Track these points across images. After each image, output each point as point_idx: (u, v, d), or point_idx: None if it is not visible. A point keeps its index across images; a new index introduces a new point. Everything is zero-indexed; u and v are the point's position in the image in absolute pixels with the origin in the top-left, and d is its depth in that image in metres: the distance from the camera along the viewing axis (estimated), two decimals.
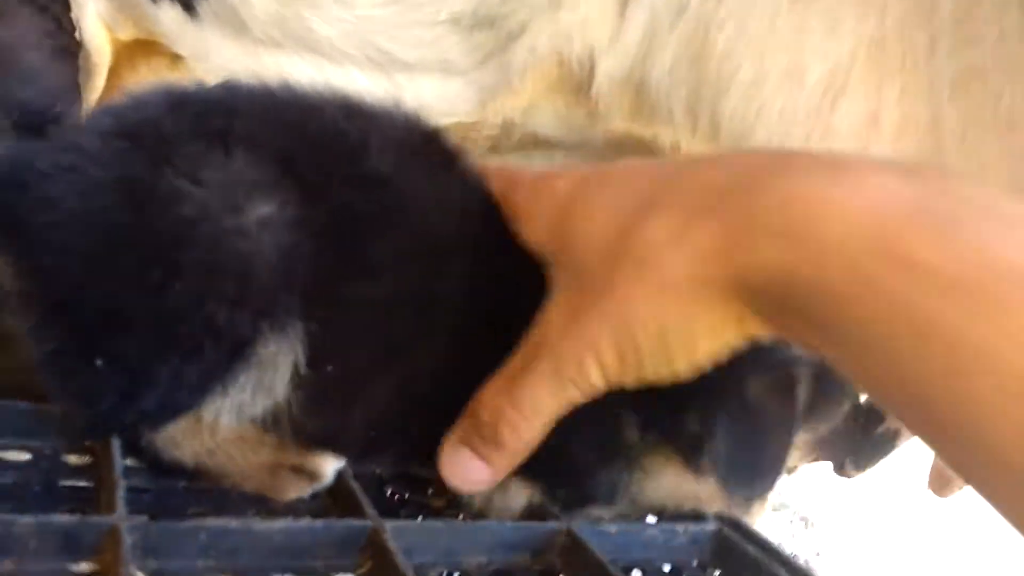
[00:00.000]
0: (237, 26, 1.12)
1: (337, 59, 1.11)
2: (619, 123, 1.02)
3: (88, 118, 0.63)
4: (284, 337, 0.59)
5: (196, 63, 1.16)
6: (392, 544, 0.60)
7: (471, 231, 0.64)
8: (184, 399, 0.58)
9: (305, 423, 0.62)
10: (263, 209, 0.58)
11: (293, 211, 0.59)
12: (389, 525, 0.61)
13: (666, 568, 0.69)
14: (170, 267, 0.55)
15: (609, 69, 0.98)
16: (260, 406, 0.61)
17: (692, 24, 0.89)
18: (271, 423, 0.62)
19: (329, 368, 0.61)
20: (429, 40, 1.06)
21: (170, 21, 1.14)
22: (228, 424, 0.62)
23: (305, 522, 0.60)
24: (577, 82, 1.03)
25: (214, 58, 1.14)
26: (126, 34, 1.17)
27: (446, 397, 0.63)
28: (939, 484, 0.99)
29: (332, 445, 0.65)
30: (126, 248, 0.55)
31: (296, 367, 0.60)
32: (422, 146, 0.66)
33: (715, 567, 0.68)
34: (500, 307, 0.63)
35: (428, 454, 0.63)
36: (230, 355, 0.57)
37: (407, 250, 0.62)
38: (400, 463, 0.70)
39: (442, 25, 1.05)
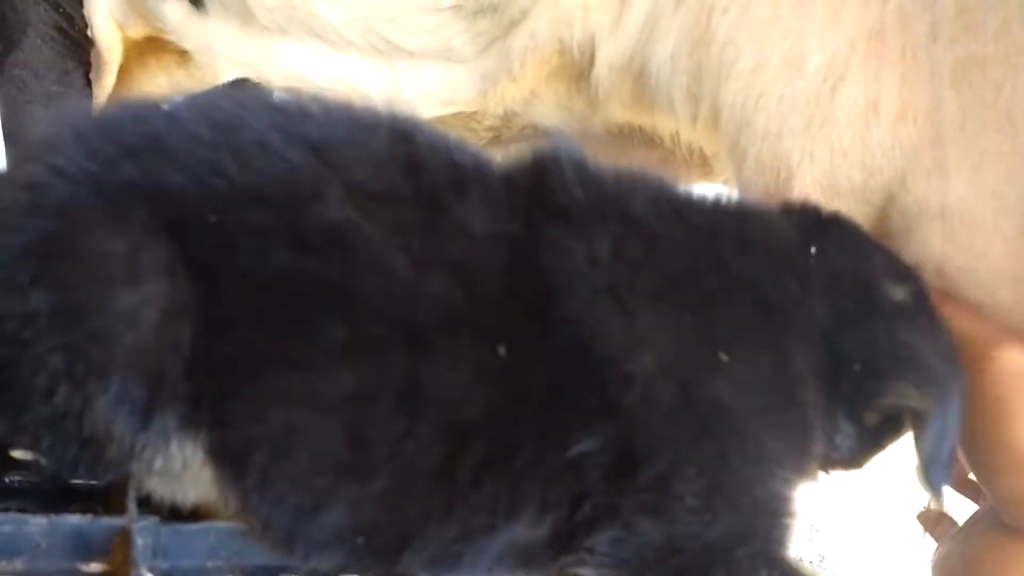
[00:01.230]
0: (244, 15, 1.13)
1: (341, 46, 1.11)
2: (619, 111, 1.01)
3: (13, 163, 0.59)
4: (176, 453, 0.54)
5: (202, 57, 1.17)
6: None
7: (471, 304, 0.55)
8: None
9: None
10: (138, 295, 0.51)
11: (182, 295, 0.52)
12: None
13: None
14: (50, 375, 0.51)
15: (609, 56, 0.97)
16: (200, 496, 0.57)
17: (694, 10, 0.88)
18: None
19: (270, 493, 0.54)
20: (432, 27, 1.06)
21: (176, 15, 1.14)
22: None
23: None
24: (578, 69, 1.02)
25: (219, 49, 1.14)
26: (137, 31, 1.18)
27: (441, 502, 0.55)
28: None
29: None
30: (23, 352, 0.52)
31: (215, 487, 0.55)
32: (404, 180, 0.56)
33: None
34: (511, 403, 0.55)
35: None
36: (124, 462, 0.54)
37: (376, 330, 0.53)
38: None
39: (445, 12, 1.04)
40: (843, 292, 0.64)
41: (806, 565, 0.60)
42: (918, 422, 0.61)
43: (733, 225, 0.64)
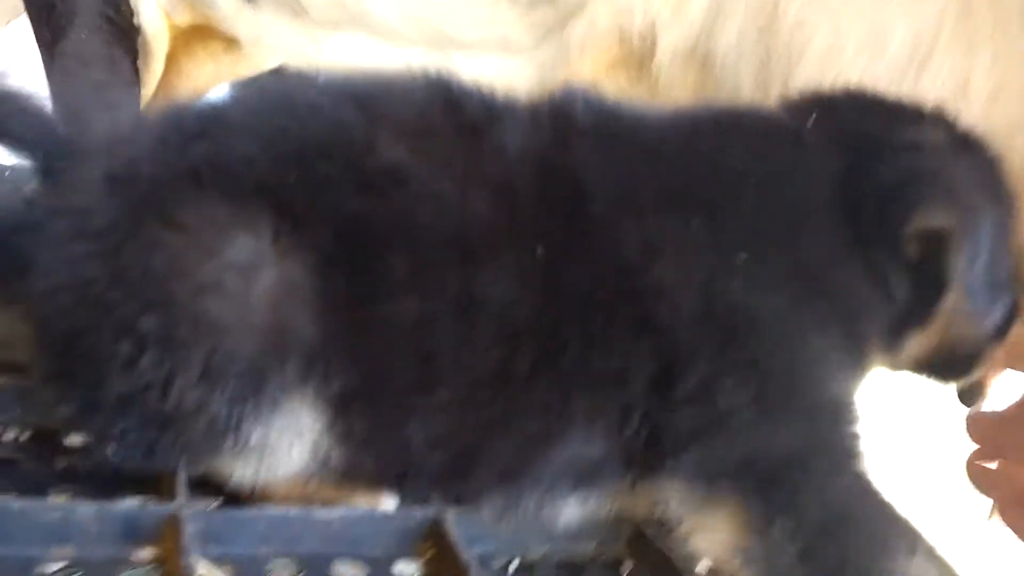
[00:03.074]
0: (295, 9, 1.12)
1: (395, 40, 1.10)
2: (682, 99, 0.98)
3: (86, 158, 0.59)
4: (284, 417, 0.55)
5: (252, 47, 1.16)
6: (454, 532, 0.58)
7: (511, 215, 0.58)
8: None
9: (352, 470, 0.59)
10: (243, 249, 0.53)
11: (286, 241, 0.54)
12: (451, 514, 0.60)
13: None
14: (137, 339, 0.52)
15: (672, 43, 0.94)
16: (291, 468, 0.58)
17: None
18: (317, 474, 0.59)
19: (364, 423, 0.57)
20: (488, 18, 1.04)
21: (227, 5, 1.14)
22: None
23: (365, 510, 0.59)
24: (639, 57, 0.99)
25: (270, 41, 1.13)
26: (183, 19, 1.17)
27: (501, 407, 0.57)
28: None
29: (388, 482, 0.61)
30: (106, 317, 0.52)
31: (316, 440, 0.56)
32: (444, 118, 0.60)
33: None
34: (554, 303, 0.57)
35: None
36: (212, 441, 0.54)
37: (434, 254, 0.57)
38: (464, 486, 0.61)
39: (501, 3, 1.02)
40: (850, 146, 0.64)
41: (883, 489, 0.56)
42: (950, 243, 0.60)
43: (726, 128, 0.66)
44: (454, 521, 0.59)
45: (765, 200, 0.62)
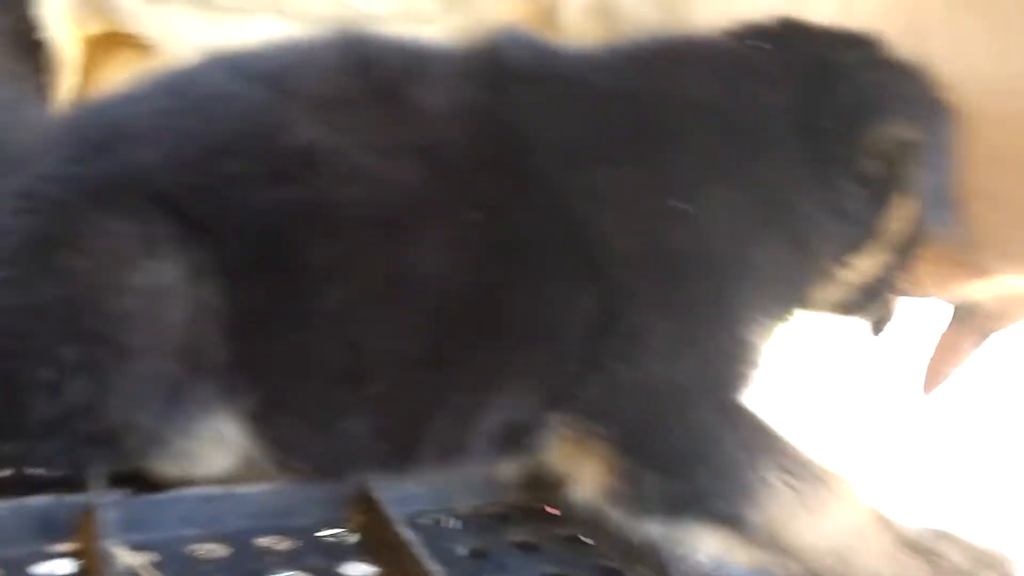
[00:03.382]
0: None
1: (306, 21, 1.09)
2: None
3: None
4: (206, 428, 0.55)
5: (163, 45, 1.14)
6: (382, 496, 0.59)
7: (441, 180, 0.56)
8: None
9: (287, 469, 0.59)
10: (150, 273, 0.52)
11: (195, 256, 0.53)
12: (376, 479, 0.60)
13: None
14: (57, 367, 0.51)
15: None
16: (217, 470, 0.58)
17: None
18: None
19: (294, 425, 0.56)
20: None
21: (131, 3, 1.12)
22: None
23: (289, 483, 0.60)
24: (547, 13, 0.99)
25: (180, 36, 1.12)
26: (92, 28, 1.15)
27: (440, 384, 0.57)
28: (931, 382, 0.98)
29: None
30: (24, 345, 0.52)
31: (242, 446, 0.57)
32: (360, 83, 0.58)
33: None
34: (491, 266, 0.56)
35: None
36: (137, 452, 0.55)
37: (357, 237, 0.55)
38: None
39: None
40: (804, 71, 0.63)
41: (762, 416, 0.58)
42: (914, 154, 0.60)
43: (676, 60, 0.64)
44: (380, 485, 0.60)
45: (719, 132, 0.61)
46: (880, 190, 0.62)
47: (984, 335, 0.99)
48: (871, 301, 0.72)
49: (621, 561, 0.60)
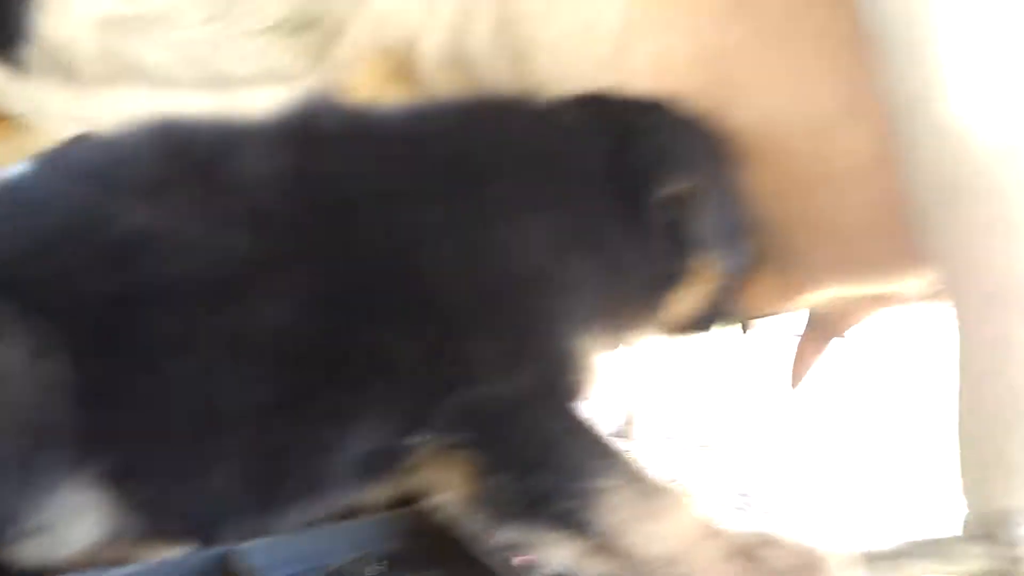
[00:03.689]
0: (66, 70, 1.11)
1: (171, 85, 1.10)
2: None
3: None
4: (62, 501, 0.56)
5: (36, 119, 1.14)
6: (248, 563, 0.61)
7: (268, 240, 0.61)
8: None
9: (156, 531, 0.61)
10: None
11: (38, 340, 0.55)
12: (245, 545, 0.62)
13: None
14: None
15: (431, 49, 0.98)
16: (81, 543, 0.60)
17: None
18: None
19: (154, 487, 0.59)
20: (257, 51, 1.05)
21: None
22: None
23: (156, 561, 0.61)
24: (407, 67, 1.02)
25: (50, 108, 1.12)
26: None
27: (295, 427, 0.61)
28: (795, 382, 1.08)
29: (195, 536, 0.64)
30: None
31: (103, 514, 0.58)
32: (176, 165, 0.62)
33: None
34: (330, 312, 0.61)
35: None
36: None
37: (195, 305, 0.58)
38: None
39: (266, 34, 1.04)
40: (610, 130, 0.73)
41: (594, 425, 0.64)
42: (694, 204, 0.70)
43: (482, 117, 0.73)
44: (248, 552, 0.62)
45: (533, 175, 0.69)
46: (677, 234, 0.71)
47: (829, 337, 1.09)
48: (709, 323, 0.79)
49: None
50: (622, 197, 0.70)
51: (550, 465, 0.60)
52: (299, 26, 1.02)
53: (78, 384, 0.56)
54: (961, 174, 0.63)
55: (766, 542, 0.61)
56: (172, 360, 0.58)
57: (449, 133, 0.70)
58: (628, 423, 3.15)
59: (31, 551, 0.59)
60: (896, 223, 0.71)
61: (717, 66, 0.75)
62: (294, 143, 0.65)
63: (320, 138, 0.65)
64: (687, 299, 0.76)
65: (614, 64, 0.79)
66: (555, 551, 0.61)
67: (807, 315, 1.11)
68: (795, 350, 1.13)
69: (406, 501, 0.71)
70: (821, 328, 1.08)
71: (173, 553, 0.63)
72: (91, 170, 0.63)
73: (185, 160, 0.63)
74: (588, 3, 0.81)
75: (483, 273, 0.64)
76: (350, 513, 0.69)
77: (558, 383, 0.63)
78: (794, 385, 1.14)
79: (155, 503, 0.60)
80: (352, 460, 0.62)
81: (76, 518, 0.59)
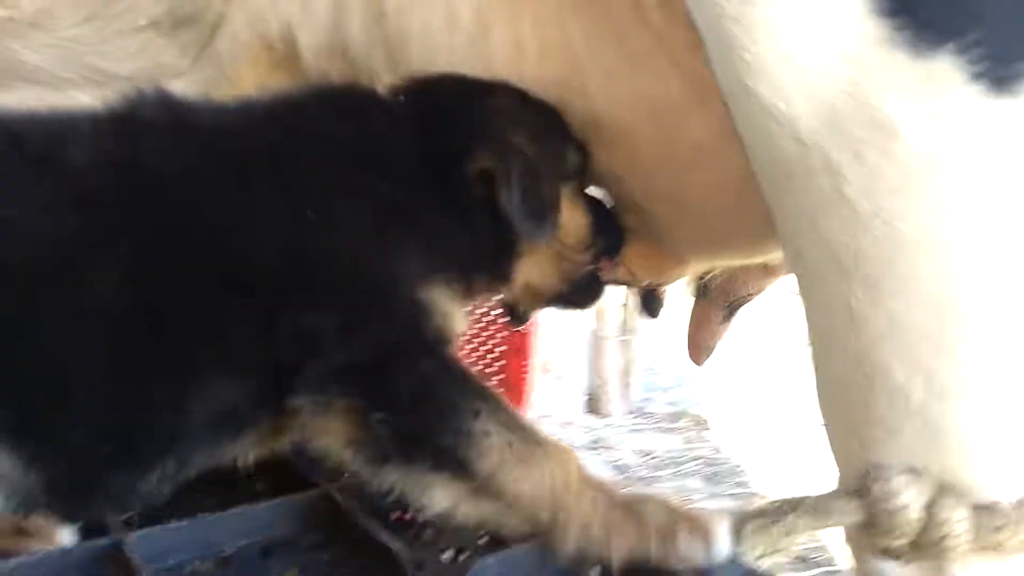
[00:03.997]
0: None
1: (57, 84, 1.10)
2: None
3: None
4: None
5: None
6: (134, 553, 0.64)
7: (92, 220, 0.65)
8: None
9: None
10: None
11: None
12: (131, 536, 0.65)
13: None
14: None
15: (309, 42, 0.99)
16: None
17: None
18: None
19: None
20: (139, 48, 1.05)
21: None
22: None
23: (43, 551, 0.64)
24: (289, 59, 1.04)
25: None
26: None
27: (140, 388, 0.65)
28: (694, 352, 1.12)
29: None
30: None
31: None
32: (9, 155, 0.66)
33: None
34: (156, 285, 0.65)
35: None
36: None
37: (24, 282, 0.62)
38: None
39: (146, 31, 1.04)
40: (430, 114, 0.78)
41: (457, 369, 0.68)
42: (499, 179, 0.74)
43: (309, 103, 0.78)
44: (137, 541, 0.65)
45: (349, 157, 0.74)
46: (490, 208, 0.75)
47: (728, 307, 1.13)
48: (578, 294, 0.84)
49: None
50: (437, 172, 0.75)
51: (425, 403, 0.64)
52: (177, 22, 1.03)
53: None
54: (793, 153, 0.66)
55: (648, 500, 0.67)
56: (16, 334, 0.62)
57: (264, 123, 0.74)
58: (599, 399, 3.23)
59: None
60: (748, 197, 0.75)
61: (562, 57, 0.78)
62: (117, 134, 0.69)
63: (141, 126, 0.70)
64: (535, 268, 0.81)
65: (474, 52, 0.82)
66: (434, 494, 0.64)
67: (693, 287, 1.15)
68: (689, 320, 1.17)
69: (294, 487, 0.75)
70: (712, 300, 1.13)
71: (60, 544, 0.66)
72: None
73: (21, 151, 0.67)
74: None
75: (302, 252, 0.68)
76: (239, 500, 0.73)
77: (421, 329, 0.68)
78: (697, 360, 1.17)
79: (37, 460, 0.63)
80: (202, 421, 0.66)
81: None
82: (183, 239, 0.66)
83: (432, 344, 0.68)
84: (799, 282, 0.74)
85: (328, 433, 0.66)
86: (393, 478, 0.65)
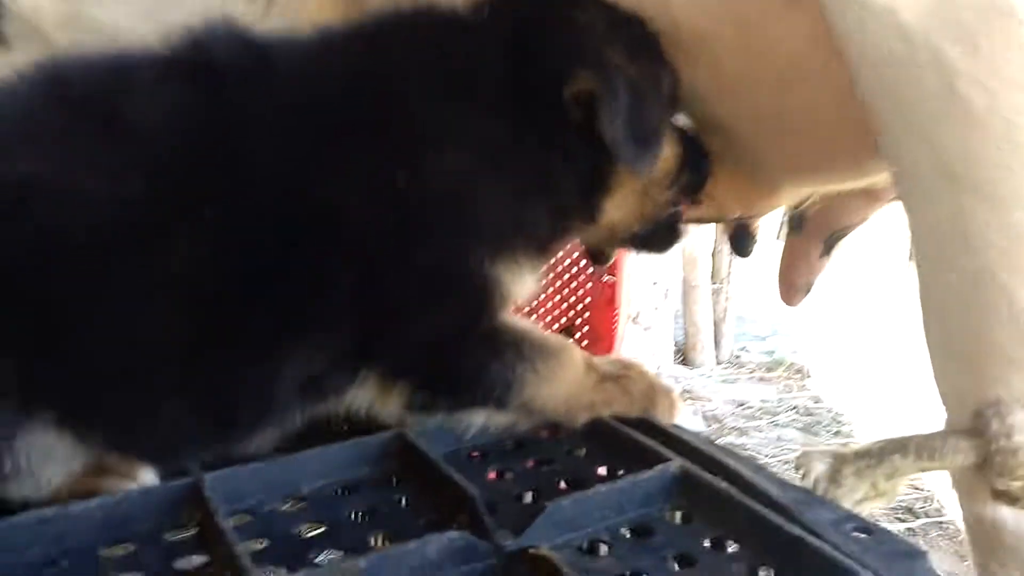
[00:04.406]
0: (42, 40, 1.12)
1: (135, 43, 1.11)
2: None
3: None
4: (27, 444, 0.60)
5: None
6: (211, 495, 0.64)
7: (164, 186, 0.61)
8: None
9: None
10: None
11: None
12: (209, 477, 0.65)
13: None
14: None
15: None
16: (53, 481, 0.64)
17: None
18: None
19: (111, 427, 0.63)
20: (209, 1, 1.05)
21: None
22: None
23: (124, 491, 0.65)
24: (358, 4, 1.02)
25: None
26: None
27: (230, 358, 0.64)
28: (787, 293, 1.04)
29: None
30: None
31: (67, 454, 0.63)
32: (59, 111, 0.61)
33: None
34: (243, 251, 0.62)
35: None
36: None
37: (93, 256, 0.59)
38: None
39: None
40: (517, 31, 0.71)
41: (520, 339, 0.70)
42: (600, 103, 0.68)
43: (391, 32, 0.71)
44: (216, 481, 0.65)
45: (435, 100, 0.68)
46: (589, 134, 0.69)
47: (825, 241, 1.05)
48: (658, 235, 0.79)
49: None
50: (529, 100, 0.69)
51: (479, 385, 0.68)
52: None
53: (5, 338, 0.59)
54: (896, 51, 0.60)
55: (628, 366, 0.76)
56: (89, 309, 0.60)
57: (345, 61, 0.69)
58: (691, 349, 3.16)
59: (12, 492, 0.63)
60: (849, 113, 0.68)
61: None
62: (189, 84, 0.64)
63: (217, 78, 0.64)
64: (622, 205, 0.76)
65: None
66: (471, 420, 0.72)
67: (786, 220, 1.08)
68: (781, 257, 1.09)
69: (369, 429, 0.74)
70: (808, 232, 1.05)
71: (141, 483, 0.67)
72: None
73: (74, 105, 0.62)
74: None
75: (392, 210, 0.65)
76: (316, 439, 0.72)
77: (480, 307, 0.67)
78: (789, 301, 1.09)
79: (114, 441, 0.64)
80: (293, 387, 0.65)
81: (44, 460, 0.62)
82: (274, 200, 0.62)
83: (487, 323, 0.68)
84: (905, 202, 0.68)
85: (387, 404, 0.70)
86: (439, 419, 0.71)
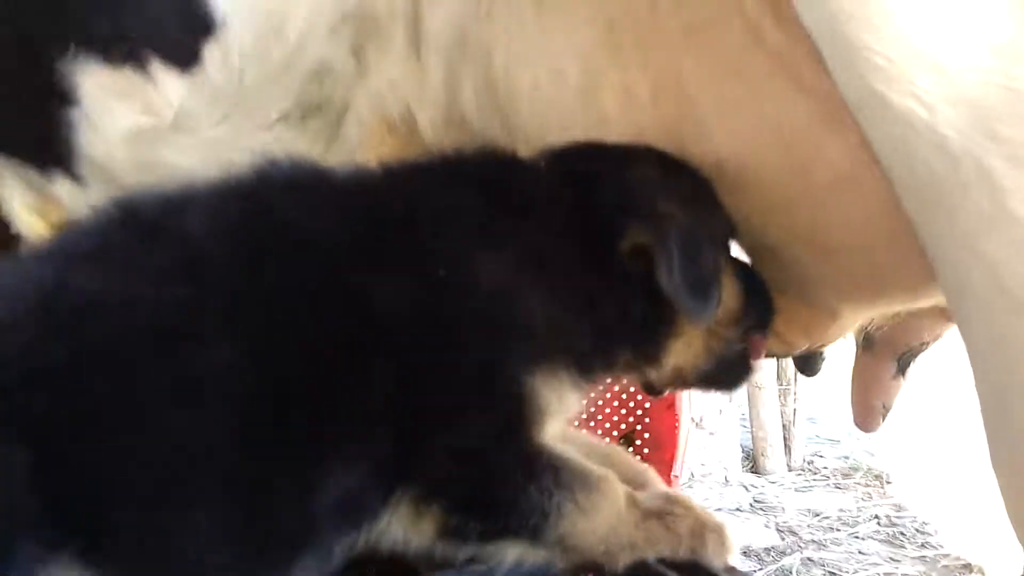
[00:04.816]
0: (115, 181, 1.20)
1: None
2: None
3: None
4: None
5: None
6: None
7: (214, 292, 0.64)
8: None
9: None
10: None
11: None
12: None
13: None
14: None
15: (429, 118, 1.01)
16: None
17: (475, 49, 0.92)
18: None
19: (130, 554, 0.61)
20: (272, 142, 1.11)
21: (66, 192, 1.22)
22: None
23: None
24: (412, 137, 1.07)
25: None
26: (56, 214, 1.26)
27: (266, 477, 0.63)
28: (862, 417, 1.00)
29: None
30: None
31: None
32: (123, 231, 0.66)
33: None
34: (285, 358, 0.63)
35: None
36: None
37: (145, 362, 0.61)
38: None
39: (277, 125, 1.10)
40: (578, 182, 0.74)
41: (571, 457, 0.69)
42: (657, 256, 0.70)
43: (448, 169, 0.76)
44: None
45: (486, 223, 0.71)
46: (646, 285, 0.71)
47: (898, 360, 1.01)
48: (727, 372, 0.78)
49: None
50: (587, 244, 0.71)
51: (513, 510, 0.66)
52: (305, 113, 1.08)
53: (34, 465, 0.58)
54: (940, 168, 0.59)
55: (672, 501, 0.73)
56: (125, 422, 0.60)
57: (401, 184, 0.73)
58: (759, 454, 3.06)
59: None
60: (903, 231, 0.67)
61: (676, 97, 0.75)
62: (243, 195, 0.68)
63: (269, 189, 0.69)
64: (689, 345, 0.76)
65: (585, 104, 0.80)
66: (505, 554, 0.68)
67: (857, 343, 1.04)
68: (852, 380, 1.06)
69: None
70: (880, 350, 1.02)
71: None
72: (54, 248, 0.68)
73: (134, 225, 0.67)
74: (552, 54, 0.83)
75: (432, 323, 0.66)
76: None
77: (517, 424, 0.67)
78: (865, 422, 1.05)
79: (140, 571, 0.62)
80: (329, 503, 0.64)
81: None
82: (319, 302, 0.65)
83: (523, 442, 0.67)
84: (959, 323, 0.65)
85: (419, 532, 0.67)
86: (469, 553, 0.69)
